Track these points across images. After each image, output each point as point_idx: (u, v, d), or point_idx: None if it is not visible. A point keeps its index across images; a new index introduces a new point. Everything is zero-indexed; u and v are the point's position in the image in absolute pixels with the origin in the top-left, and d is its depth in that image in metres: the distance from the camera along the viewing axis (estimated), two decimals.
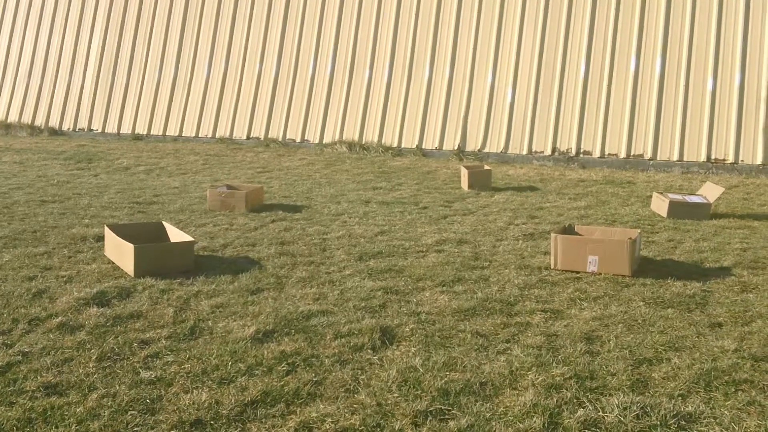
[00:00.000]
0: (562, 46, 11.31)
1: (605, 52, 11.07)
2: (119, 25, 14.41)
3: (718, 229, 6.50)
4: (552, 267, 5.09)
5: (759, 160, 10.10)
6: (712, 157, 10.34)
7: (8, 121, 14.87)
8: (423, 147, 11.82)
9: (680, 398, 3.09)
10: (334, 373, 3.31)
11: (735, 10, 10.49)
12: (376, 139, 12.08)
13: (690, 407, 3.00)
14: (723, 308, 4.27)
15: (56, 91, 14.71)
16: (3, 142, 12.94)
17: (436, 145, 11.77)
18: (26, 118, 14.82)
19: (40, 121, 14.68)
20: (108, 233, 5.19)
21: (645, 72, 10.85)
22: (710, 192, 7.35)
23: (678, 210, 6.96)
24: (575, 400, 3.05)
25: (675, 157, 10.49)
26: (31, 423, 2.84)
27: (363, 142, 12.07)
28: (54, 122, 14.57)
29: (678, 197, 7.25)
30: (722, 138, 10.35)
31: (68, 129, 14.43)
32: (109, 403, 2.99)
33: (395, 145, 11.94)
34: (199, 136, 13.38)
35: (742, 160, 10.20)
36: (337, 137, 12.34)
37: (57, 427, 2.81)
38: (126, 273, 4.81)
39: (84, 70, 14.54)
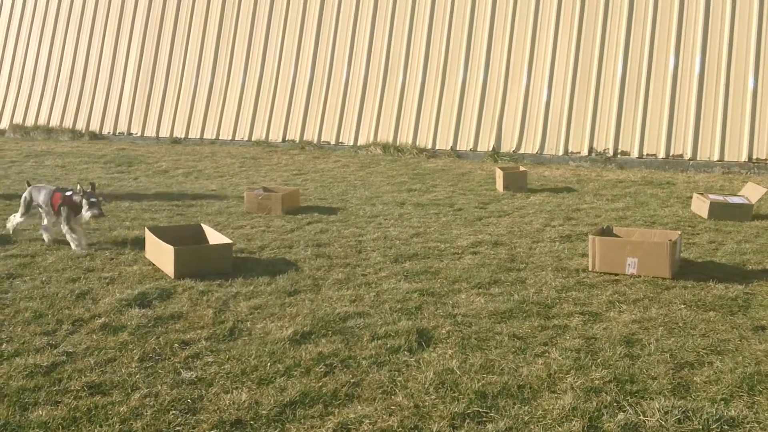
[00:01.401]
0: (599, 44, 11.19)
1: (643, 50, 10.93)
2: (157, 30, 14.64)
3: (761, 230, 6.36)
4: (590, 269, 5.03)
5: None
6: (754, 156, 10.13)
7: (50, 125, 15.20)
8: (457, 148, 11.78)
9: (723, 402, 3.04)
10: (371, 375, 3.32)
11: None
12: (410, 141, 12.08)
13: (733, 411, 2.95)
14: (766, 311, 4.18)
15: (96, 95, 14.99)
16: (45, 146, 13.24)
17: (471, 146, 11.73)
18: (68, 123, 15.13)
19: (81, 125, 14.97)
20: (148, 235, 5.27)
21: (684, 70, 10.68)
22: (752, 192, 7.21)
23: (719, 211, 6.83)
24: (615, 404, 3.02)
25: (715, 157, 10.30)
26: (76, 422, 2.90)
27: (397, 144, 12.08)
28: (94, 126, 14.85)
29: (719, 198, 7.12)
30: (764, 137, 10.14)
31: (108, 133, 14.69)
32: (152, 403, 3.05)
33: (429, 146, 11.93)
34: (236, 139, 13.52)
35: None
36: (371, 139, 12.37)
37: (101, 426, 2.86)
38: (166, 274, 4.89)
39: (123, 74, 14.80)
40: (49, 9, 15.88)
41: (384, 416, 2.93)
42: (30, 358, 3.48)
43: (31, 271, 4.97)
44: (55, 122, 15.24)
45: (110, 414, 2.96)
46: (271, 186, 8.02)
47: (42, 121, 15.38)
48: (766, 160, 10.07)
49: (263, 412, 2.97)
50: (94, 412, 2.97)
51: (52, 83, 15.55)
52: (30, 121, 15.47)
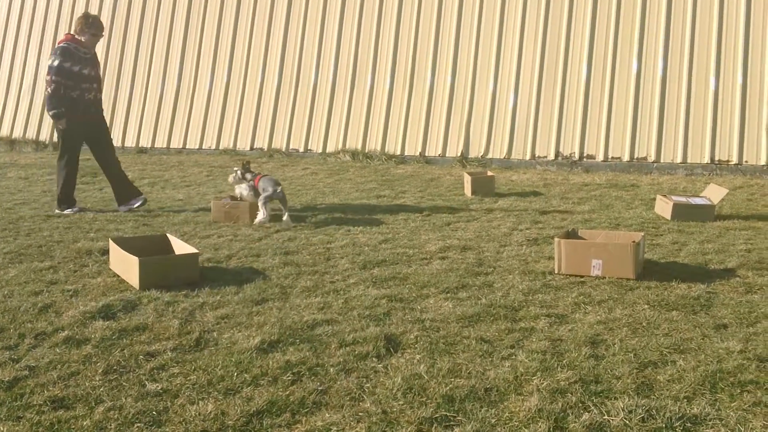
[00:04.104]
0: (563, 50, 11.33)
1: (606, 55, 11.09)
2: (121, 39, 14.50)
3: (723, 230, 6.49)
4: (556, 272, 5.08)
5: (763, 161, 10.09)
6: (716, 158, 10.33)
7: (13, 136, 14.96)
8: (426, 154, 11.83)
9: (686, 400, 3.09)
10: (339, 382, 3.31)
11: (736, 9, 10.49)
12: (379, 148, 12.11)
13: (696, 409, 2.99)
14: (728, 309, 4.26)
15: None
16: (8, 157, 13.02)
17: (439, 152, 11.79)
18: (31, 134, 14.90)
19: (44, 136, 14.76)
20: (113, 247, 5.21)
21: (647, 74, 10.86)
22: (714, 193, 7.34)
23: (682, 212, 6.95)
24: (580, 404, 3.05)
25: (678, 159, 10.48)
26: None
27: (366, 151, 12.10)
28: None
29: (682, 199, 7.24)
30: (726, 139, 10.34)
31: None
32: (116, 416, 3.00)
33: (398, 152, 11.97)
34: (203, 147, 13.43)
35: (746, 161, 10.19)
36: (340, 146, 12.37)
37: None
38: (131, 286, 4.83)
39: None
40: (11, 18, 15.64)
41: (352, 423, 2.93)
42: None
43: None
44: (18, 133, 15.01)
45: (73, 428, 2.91)
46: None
47: (4, 132, 15.14)
48: (728, 161, 10.27)
49: (230, 422, 2.94)
50: (57, 427, 2.92)
51: (14, 94, 15.31)
52: None
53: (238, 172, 7.41)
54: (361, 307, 4.36)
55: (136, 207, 7.79)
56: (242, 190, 7.35)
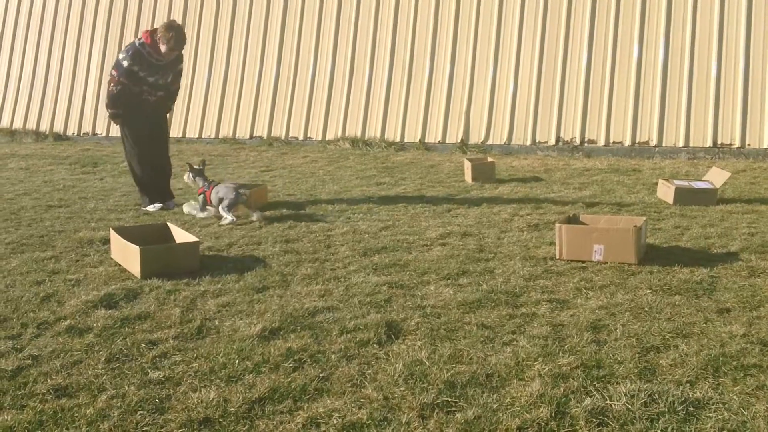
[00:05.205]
0: (564, 35, 11.26)
1: (607, 40, 11.02)
2: (119, 29, 14.43)
3: (725, 214, 6.47)
4: (557, 257, 5.08)
5: (766, 144, 10.05)
6: (719, 142, 10.29)
7: (13, 127, 14.92)
8: (426, 141, 11.79)
9: (688, 385, 3.09)
10: (340, 369, 3.32)
11: None
12: (378, 135, 12.07)
13: (698, 393, 3.00)
14: (731, 293, 4.26)
15: (59, 96, 14.75)
16: (9, 148, 13.00)
17: (439, 138, 11.75)
18: (31, 124, 14.87)
19: (44, 127, 14.72)
20: (114, 236, 5.21)
21: (648, 59, 10.79)
22: (717, 177, 7.33)
23: (684, 196, 6.93)
24: (582, 389, 3.05)
25: (681, 143, 10.44)
26: (42, 425, 2.86)
27: (366, 138, 12.06)
28: (58, 127, 14.61)
29: (684, 183, 7.22)
30: (728, 123, 10.30)
31: (72, 134, 14.46)
32: (119, 404, 3.01)
33: (398, 140, 11.93)
34: (203, 136, 13.39)
35: (748, 144, 10.15)
36: (339, 134, 12.33)
37: (68, 429, 2.83)
38: (133, 275, 4.83)
39: (86, 74, 14.57)
40: (9, 8, 15.58)
41: (353, 409, 2.93)
42: None
43: None
44: (18, 124, 14.97)
45: (77, 416, 2.92)
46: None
47: (5, 123, 15.10)
48: (730, 144, 10.24)
49: (232, 409, 2.95)
50: (60, 415, 2.93)
51: (14, 85, 15.27)
52: None
53: (190, 174, 6.98)
54: (362, 294, 4.36)
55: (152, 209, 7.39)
56: (192, 211, 6.84)
